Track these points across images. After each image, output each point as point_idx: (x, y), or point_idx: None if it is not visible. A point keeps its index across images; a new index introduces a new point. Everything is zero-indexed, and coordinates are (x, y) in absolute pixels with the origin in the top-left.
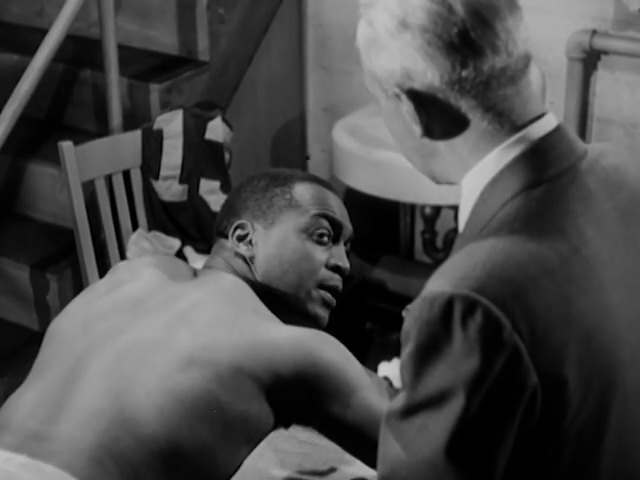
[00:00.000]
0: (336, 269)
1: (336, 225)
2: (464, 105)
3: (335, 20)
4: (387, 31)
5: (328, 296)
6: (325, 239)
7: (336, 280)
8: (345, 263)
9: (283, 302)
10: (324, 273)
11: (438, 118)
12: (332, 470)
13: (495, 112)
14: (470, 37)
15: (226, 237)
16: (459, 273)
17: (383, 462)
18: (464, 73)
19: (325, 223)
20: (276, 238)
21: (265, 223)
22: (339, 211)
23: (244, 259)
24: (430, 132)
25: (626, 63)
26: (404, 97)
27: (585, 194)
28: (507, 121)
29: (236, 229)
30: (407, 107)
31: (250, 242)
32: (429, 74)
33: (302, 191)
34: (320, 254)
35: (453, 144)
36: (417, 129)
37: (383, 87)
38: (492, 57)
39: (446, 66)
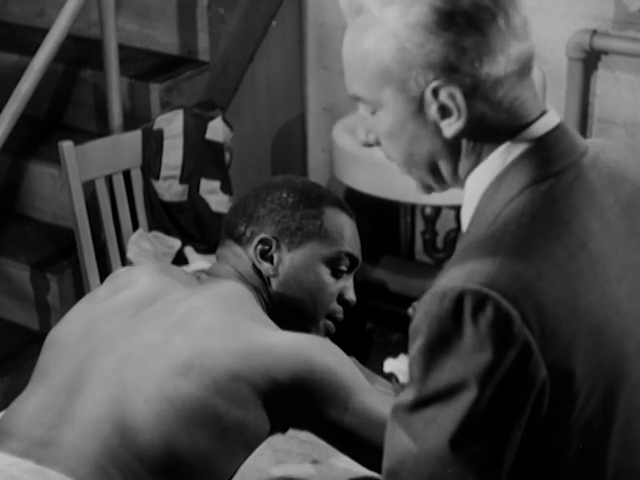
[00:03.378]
0: (345, 302)
1: (355, 263)
2: (500, 96)
3: (335, 20)
4: (430, 25)
5: (332, 327)
6: (342, 274)
7: (342, 313)
8: (354, 298)
9: (289, 323)
10: (334, 306)
11: (474, 111)
12: (315, 462)
13: (519, 103)
14: (513, 24)
15: (239, 242)
16: (469, 268)
17: (390, 454)
18: (507, 61)
19: (348, 261)
20: (299, 264)
21: (291, 245)
22: (357, 245)
23: (259, 272)
24: (464, 128)
25: (626, 63)
26: (445, 92)
27: (589, 189)
28: (521, 114)
29: (259, 243)
30: (445, 102)
31: (271, 259)
32: (477, 64)
33: (332, 221)
34: (334, 287)
35: (476, 140)
36: (456, 125)
37: (405, 88)
38: (525, 43)
39: (494, 54)
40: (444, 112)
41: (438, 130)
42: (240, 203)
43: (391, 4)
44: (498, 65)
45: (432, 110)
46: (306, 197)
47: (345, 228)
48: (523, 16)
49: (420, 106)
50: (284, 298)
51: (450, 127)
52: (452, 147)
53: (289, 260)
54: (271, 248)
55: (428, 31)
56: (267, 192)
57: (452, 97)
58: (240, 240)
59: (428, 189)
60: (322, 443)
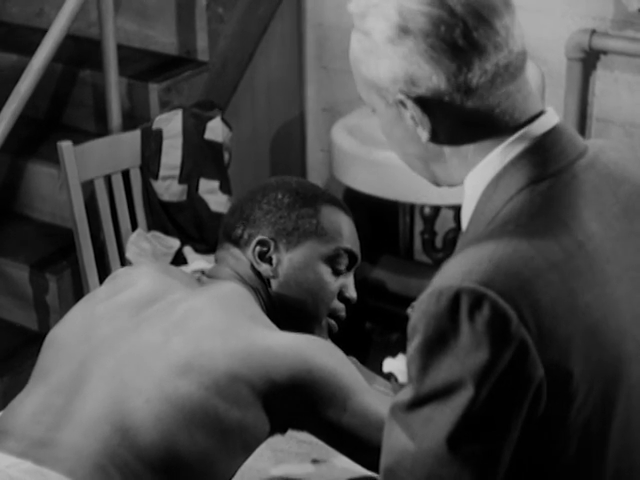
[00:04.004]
0: (346, 300)
1: (354, 259)
2: (470, 106)
3: (334, 20)
4: (387, 39)
5: (335, 326)
6: (342, 271)
7: (344, 311)
8: (355, 295)
9: (291, 323)
10: (336, 304)
11: (444, 121)
12: (315, 462)
13: (499, 110)
14: (473, 37)
15: (237, 245)
16: (466, 267)
17: (388, 453)
18: (470, 74)
19: (347, 258)
20: (298, 263)
21: (289, 245)
22: (355, 242)
23: (258, 274)
24: (436, 136)
25: (625, 63)
26: (410, 103)
27: (588, 189)
28: (510, 118)
29: (257, 244)
30: (412, 113)
31: (270, 260)
32: (435, 78)
33: (328, 218)
34: (335, 285)
35: (459, 146)
36: (424, 134)
37: (383, 95)
38: (495, 55)
39: (452, 68)
40: (415, 121)
41: (418, 135)
42: (237, 206)
43: (366, 16)
44: (459, 80)
45: (407, 117)
46: (302, 197)
47: (342, 225)
48: (498, 26)
49: (399, 113)
50: (285, 299)
51: (422, 135)
52: (434, 151)
53: (288, 260)
54: (269, 249)
55: (387, 45)
56: (263, 194)
57: (414, 109)
58: (238, 243)
59: (436, 183)
60: (321, 443)
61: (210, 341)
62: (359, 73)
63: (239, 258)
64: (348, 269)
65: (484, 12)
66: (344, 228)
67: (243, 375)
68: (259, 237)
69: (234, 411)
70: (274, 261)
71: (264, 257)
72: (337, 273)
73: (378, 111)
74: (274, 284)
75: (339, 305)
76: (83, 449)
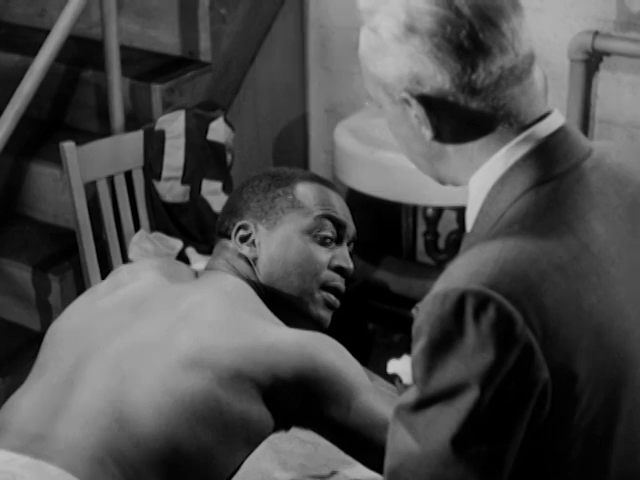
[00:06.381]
0: (339, 270)
1: (339, 226)
2: (474, 106)
3: (337, 21)
4: (394, 37)
5: (331, 298)
6: (328, 240)
7: (339, 281)
8: (348, 264)
9: (286, 303)
10: (327, 274)
11: (448, 121)
12: (333, 473)
13: (504, 112)
14: (479, 39)
15: (228, 238)
16: (471, 269)
17: (392, 454)
18: (474, 75)
19: (328, 224)
20: (279, 239)
21: (268, 224)
22: (342, 211)
23: (246, 260)
24: (440, 135)
25: (628, 64)
26: (414, 102)
27: (592, 191)
28: (515, 120)
29: (238, 230)
30: (416, 111)
31: (253, 243)
32: (439, 78)
33: (304, 191)
34: (323, 255)
35: (462, 146)
36: (427, 133)
37: (389, 92)
38: (500, 57)
39: (456, 69)
40: (419, 119)
41: (422, 134)
42: (225, 204)
43: (374, 14)
44: (463, 80)
45: (411, 115)
46: (277, 178)
47: (319, 195)
48: (504, 28)
49: (404, 110)
50: (273, 278)
51: (426, 133)
52: (438, 150)
53: (270, 239)
54: (250, 232)
55: (393, 43)
56: (242, 185)
57: (418, 108)
58: (226, 234)
59: (440, 182)
60: (324, 443)
61: (214, 336)
62: (366, 69)
63: (228, 247)
64: (338, 240)
65: (491, 14)
66: (321, 197)
67: (247, 371)
68: (240, 222)
69: (237, 405)
70: (256, 242)
71: (247, 240)
72: (325, 244)
73: (384, 108)
74: (260, 265)
75: (330, 275)
76: (80, 442)
